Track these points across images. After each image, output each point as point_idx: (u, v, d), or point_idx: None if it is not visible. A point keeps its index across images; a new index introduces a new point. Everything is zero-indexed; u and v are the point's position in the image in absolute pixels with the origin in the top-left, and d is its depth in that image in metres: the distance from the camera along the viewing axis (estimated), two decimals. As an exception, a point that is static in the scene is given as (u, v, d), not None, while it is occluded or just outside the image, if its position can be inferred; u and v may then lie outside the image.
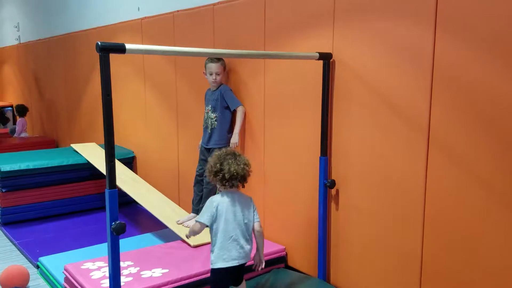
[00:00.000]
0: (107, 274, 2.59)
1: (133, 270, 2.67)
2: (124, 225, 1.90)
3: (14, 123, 7.80)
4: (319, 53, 2.55)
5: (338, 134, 2.66)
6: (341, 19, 2.56)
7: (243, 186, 2.37)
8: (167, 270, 2.66)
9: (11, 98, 8.57)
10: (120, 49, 1.85)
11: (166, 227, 3.42)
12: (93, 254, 3.05)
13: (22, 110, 7.33)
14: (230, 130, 3.33)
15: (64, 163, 4.37)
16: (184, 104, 3.92)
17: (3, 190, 4.08)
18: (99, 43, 1.80)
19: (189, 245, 3.08)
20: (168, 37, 4.00)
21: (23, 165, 4.16)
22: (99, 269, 2.68)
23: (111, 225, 1.90)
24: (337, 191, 2.71)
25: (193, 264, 2.76)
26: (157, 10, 4.16)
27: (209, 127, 3.35)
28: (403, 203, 2.35)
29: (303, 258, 2.98)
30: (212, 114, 3.33)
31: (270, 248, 3.04)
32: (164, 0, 4.08)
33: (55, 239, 3.85)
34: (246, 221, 2.32)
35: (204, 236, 3.16)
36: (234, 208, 2.30)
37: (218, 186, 2.37)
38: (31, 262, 3.40)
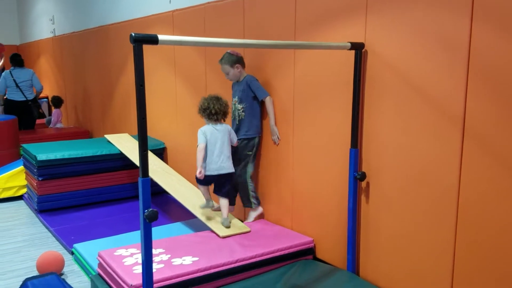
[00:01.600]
0: (139, 261, 2.66)
1: (164, 257, 2.72)
2: (156, 212, 1.94)
3: (50, 114, 8.03)
4: (351, 43, 2.52)
5: (369, 126, 2.63)
6: (374, 8, 2.52)
7: (224, 120, 3.28)
8: (197, 259, 2.70)
9: (47, 90, 8.83)
10: (153, 40, 1.88)
11: (195, 216, 3.47)
12: (126, 242, 3.13)
13: (57, 102, 7.54)
14: (259, 120, 3.35)
15: (98, 153, 4.48)
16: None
17: (40, 179, 4.22)
18: (133, 34, 1.83)
19: (217, 235, 3.11)
20: (199, 29, 4.03)
21: (58, 155, 4.28)
22: (131, 256, 2.74)
23: (144, 212, 1.94)
24: (368, 183, 2.68)
25: (222, 254, 2.79)
26: (188, 3, 4.19)
27: (237, 118, 3.36)
28: (436, 196, 2.30)
29: (332, 251, 2.97)
30: (239, 105, 3.33)
31: (298, 239, 3.05)
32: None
33: (89, 226, 3.96)
34: (225, 143, 3.21)
35: (232, 228, 3.20)
36: (217, 134, 3.19)
37: (205, 120, 3.23)
38: (66, 248, 3.51)
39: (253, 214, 3.47)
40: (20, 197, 4.86)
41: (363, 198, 2.72)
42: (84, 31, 6.83)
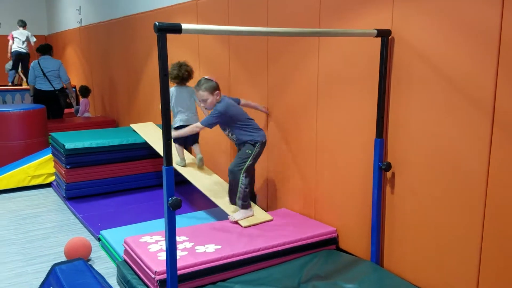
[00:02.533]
0: (164, 247, 2.69)
1: (188, 245, 2.76)
2: (180, 200, 1.96)
3: (78, 103, 8.19)
4: (377, 30, 2.46)
5: (395, 115, 2.58)
6: (401, -6, 2.46)
7: (188, 82, 3.97)
8: (219, 247, 2.72)
9: (75, 80, 8.99)
10: (177, 29, 1.88)
11: (217, 206, 3.49)
12: (150, 229, 3.18)
13: (84, 91, 7.67)
14: (254, 129, 3.26)
15: (124, 142, 4.55)
16: (237, 85, 3.95)
17: (68, 167, 4.32)
18: (157, 23, 1.84)
19: (240, 225, 3.12)
20: (222, 18, 4.02)
21: (86, 143, 4.36)
22: (156, 243, 2.79)
23: (168, 200, 1.96)
24: (393, 174, 2.63)
25: (244, 242, 2.80)
26: (212, -9, 4.18)
27: (236, 143, 3.34)
28: (463, 187, 2.25)
29: (356, 241, 2.95)
30: (226, 133, 3.32)
31: (321, 229, 3.04)
32: (219, -20, 4.08)
33: (115, 214, 4.04)
34: (188, 101, 3.93)
35: (254, 218, 3.21)
36: (182, 94, 3.90)
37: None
38: (93, 234, 3.59)
39: (239, 214, 3.18)
40: (48, 185, 4.99)
41: (388, 188, 2.68)
42: (110, 21, 6.91)
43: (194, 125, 3.40)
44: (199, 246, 2.73)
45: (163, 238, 2.86)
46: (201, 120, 3.30)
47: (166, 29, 1.87)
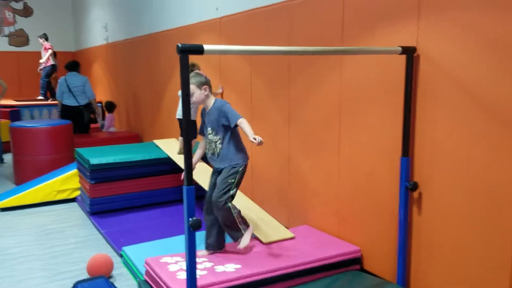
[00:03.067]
0: (183, 267, 2.67)
1: (208, 264, 2.73)
2: (200, 221, 1.93)
3: (104, 118, 8.32)
4: (401, 47, 2.42)
5: (422, 134, 2.51)
6: (427, 10, 2.41)
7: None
8: (239, 266, 2.68)
9: (101, 95, 9.17)
10: (199, 50, 1.88)
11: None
12: (172, 245, 3.18)
13: (110, 106, 7.80)
14: (242, 147, 2.94)
15: (147, 158, 4.59)
16: (259, 101, 3.94)
17: (92, 182, 4.37)
18: (179, 45, 1.84)
19: (261, 241, 3.08)
20: (245, 36, 4.03)
21: (110, 159, 4.42)
22: (176, 263, 2.77)
23: (188, 221, 1.94)
24: (420, 194, 2.56)
25: (265, 261, 2.76)
26: (235, 9, 4.20)
27: (215, 152, 2.87)
28: (494, 207, 2.16)
29: (381, 262, 2.86)
30: (215, 137, 2.86)
31: (344, 248, 2.96)
32: (242, -1, 4.11)
33: (137, 229, 4.05)
34: None
35: (275, 234, 3.17)
36: None
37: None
38: (115, 251, 3.60)
39: (246, 237, 2.90)
40: (73, 199, 5.05)
41: (415, 208, 2.60)
42: (135, 38, 7.03)
43: (245, 121, 2.77)
44: (218, 266, 2.70)
45: (183, 259, 2.84)
46: (235, 115, 2.80)
47: (188, 51, 1.87)
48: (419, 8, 2.44)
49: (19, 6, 10.98)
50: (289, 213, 3.69)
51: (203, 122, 2.98)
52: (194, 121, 4.31)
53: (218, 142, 2.87)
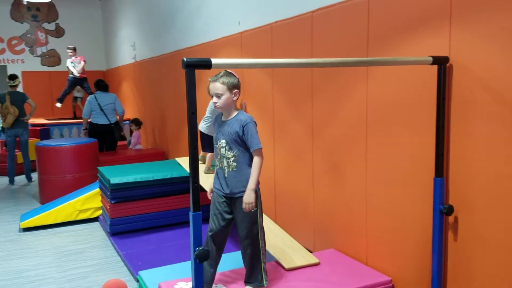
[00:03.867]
0: (199, 296, 2.50)
1: (222, 293, 2.54)
2: (208, 252, 1.76)
3: (131, 135, 8.34)
4: (432, 57, 2.19)
5: (458, 152, 2.26)
6: (460, 17, 2.18)
7: None
8: (259, 297, 2.48)
9: (129, 113, 9.22)
10: (206, 64, 1.73)
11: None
12: (190, 269, 3.00)
13: (136, 124, 7.79)
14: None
15: (168, 176, 4.47)
16: (281, 116, 3.76)
17: (113, 202, 4.27)
18: (185, 59, 1.69)
19: (282, 267, 2.87)
20: (266, 49, 3.88)
21: (131, 178, 4.32)
22: (191, 290, 2.59)
23: (194, 251, 1.76)
24: (456, 218, 2.30)
25: (285, 292, 2.55)
26: (256, 23, 4.08)
27: (225, 169, 2.47)
28: (543, 239, 1.89)
29: (414, 293, 2.60)
30: (229, 153, 2.45)
31: (374, 278, 2.71)
32: (263, 12, 3.98)
33: (157, 251, 3.91)
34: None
35: (298, 259, 2.95)
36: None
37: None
38: (132, 274, 3.46)
39: None
40: (95, 219, 4.98)
41: (450, 234, 2.34)
42: (161, 56, 7.02)
43: (260, 159, 2.44)
44: (235, 294, 2.50)
45: (200, 285, 2.67)
46: (257, 141, 2.43)
47: (195, 65, 1.72)
48: (451, 15, 2.22)
49: (51, 27, 11.27)
50: (315, 235, 3.46)
51: (215, 131, 2.53)
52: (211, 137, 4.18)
53: (232, 159, 2.45)
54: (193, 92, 1.73)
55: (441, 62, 2.21)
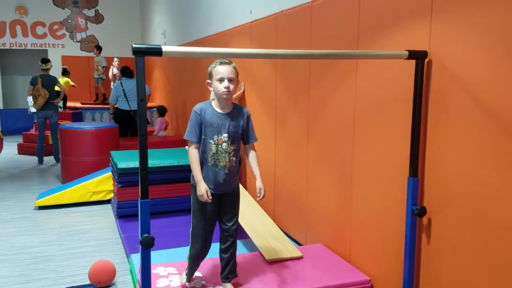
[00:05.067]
0: (173, 284, 2.55)
1: (198, 284, 2.56)
2: (153, 239, 1.78)
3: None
4: (409, 51, 2.10)
5: (434, 151, 2.16)
6: (441, 8, 2.07)
7: None
8: (230, 288, 2.49)
9: (157, 100, 9.42)
10: (156, 51, 1.74)
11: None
12: (183, 255, 3.06)
13: (161, 111, 7.94)
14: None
15: (174, 164, 4.53)
16: (282, 108, 3.72)
17: (119, 185, 4.39)
18: (133, 45, 1.71)
19: (264, 258, 2.87)
20: (271, 39, 3.84)
21: (137, 163, 4.39)
22: (167, 277, 2.65)
23: (141, 237, 1.79)
24: (429, 220, 2.21)
25: (261, 283, 2.54)
26: (265, 12, 4.04)
27: (226, 166, 2.33)
28: None
29: (391, 294, 2.52)
30: (230, 147, 2.32)
31: (353, 277, 2.66)
32: (272, 1, 3.93)
33: (159, 236, 3.95)
34: None
35: (281, 251, 2.94)
36: None
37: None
38: (127, 257, 3.56)
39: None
40: (108, 201, 5.14)
41: (423, 237, 2.25)
42: (186, 44, 7.10)
43: (256, 153, 2.47)
44: (209, 286, 2.52)
45: (177, 272, 2.72)
46: (254, 135, 2.43)
47: (145, 51, 1.73)
48: (432, 8, 2.11)
49: (91, 13, 11.63)
50: (307, 229, 3.43)
51: (207, 125, 2.30)
52: None
53: (232, 153, 2.31)
54: (142, 78, 1.74)
55: (418, 57, 2.11)
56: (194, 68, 6.56)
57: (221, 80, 2.27)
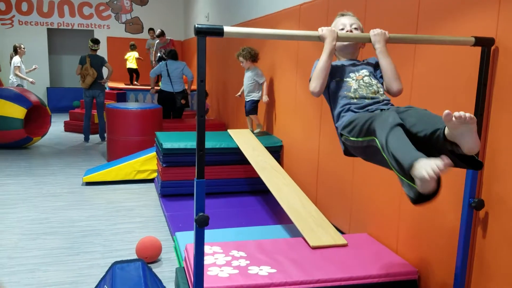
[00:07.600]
0: (218, 262, 2.58)
1: (243, 263, 2.59)
2: (207, 218, 1.81)
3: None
4: (475, 37, 2.01)
5: (496, 141, 2.08)
6: (512, -7, 1.97)
7: None
8: (274, 270, 2.49)
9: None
10: (218, 32, 1.73)
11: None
12: (223, 236, 3.11)
13: (203, 94, 8.00)
14: None
15: (217, 146, 4.57)
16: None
17: (164, 165, 4.48)
18: (196, 25, 1.71)
19: (308, 244, 2.86)
20: (321, 23, 3.76)
21: (182, 144, 4.49)
22: (212, 255, 2.68)
23: (196, 215, 1.82)
24: (486, 213, 2.13)
25: (304, 269, 2.53)
26: (315, -6, 3.96)
27: (380, 92, 2.12)
28: None
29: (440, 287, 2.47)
30: (374, 80, 2.18)
31: (399, 267, 2.61)
32: (323, -18, 3.85)
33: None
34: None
35: (326, 238, 2.93)
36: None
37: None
38: (171, 234, 3.64)
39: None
40: (152, 180, 5.25)
41: (479, 231, 2.18)
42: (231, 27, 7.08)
43: None
44: (253, 267, 2.54)
45: (222, 251, 2.75)
46: None
47: (206, 32, 1.73)
48: (504, -10, 2.00)
49: (136, -5, 11.79)
50: (351, 218, 3.39)
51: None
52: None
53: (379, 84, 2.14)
54: (203, 58, 1.75)
55: (485, 44, 2.02)
56: (237, 49, 6.53)
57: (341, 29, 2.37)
